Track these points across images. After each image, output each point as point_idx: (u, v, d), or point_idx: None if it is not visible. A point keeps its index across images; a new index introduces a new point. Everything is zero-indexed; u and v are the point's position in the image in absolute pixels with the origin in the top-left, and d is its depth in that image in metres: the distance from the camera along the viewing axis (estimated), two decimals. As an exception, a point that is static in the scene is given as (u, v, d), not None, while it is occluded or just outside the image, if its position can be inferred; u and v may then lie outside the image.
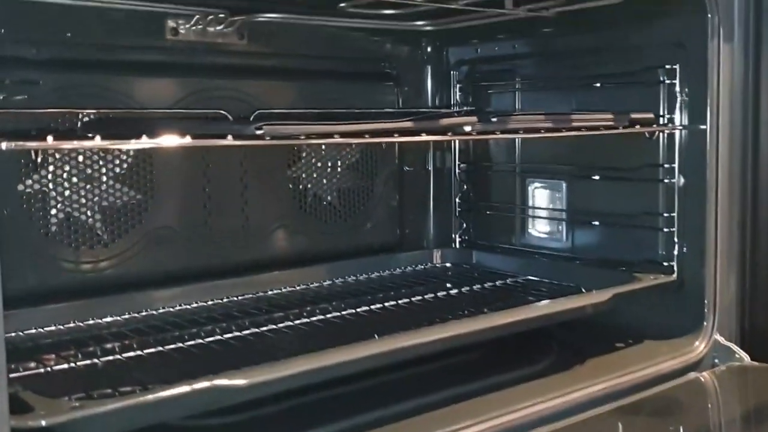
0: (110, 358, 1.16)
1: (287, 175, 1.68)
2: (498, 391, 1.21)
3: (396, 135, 1.02)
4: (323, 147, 1.72)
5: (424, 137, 1.05)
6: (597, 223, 1.61)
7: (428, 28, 1.75)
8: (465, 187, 1.88)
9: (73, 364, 1.12)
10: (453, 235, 1.90)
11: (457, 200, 1.89)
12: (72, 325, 1.31)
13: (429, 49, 1.87)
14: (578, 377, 1.29)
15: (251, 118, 1.53)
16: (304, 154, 1.70)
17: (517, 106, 1.73)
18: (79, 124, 1.35)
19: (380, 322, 1.34)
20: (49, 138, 0.82)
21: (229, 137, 0.89)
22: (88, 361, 1.13)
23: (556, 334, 1.50)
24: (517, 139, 1.74)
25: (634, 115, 1.35)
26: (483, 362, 1.37)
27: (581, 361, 1.38)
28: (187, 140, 0.87)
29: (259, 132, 0.89)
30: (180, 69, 1.53)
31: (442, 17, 1.67)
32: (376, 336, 1.17)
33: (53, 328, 1.30)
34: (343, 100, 1.73)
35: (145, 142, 0.85)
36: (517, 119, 1.17)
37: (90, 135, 0.84)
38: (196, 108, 1.52)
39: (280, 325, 1.32)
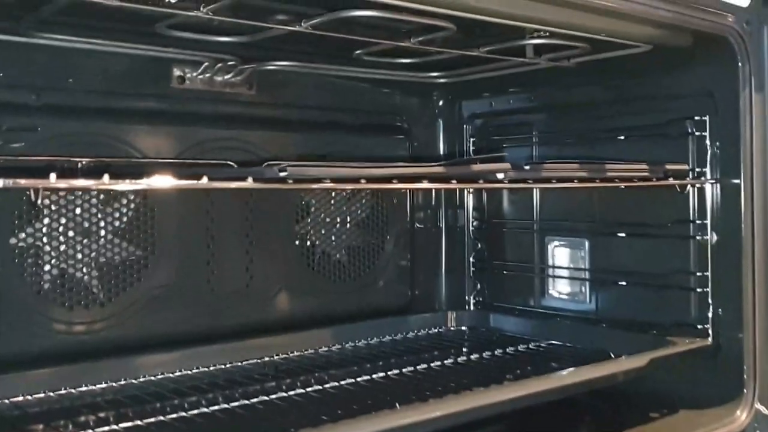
0: (105, 429, 1.05)
1: (294, 231, 1.59)
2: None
3: (425, 181, 0.94)
4: (332, 201, 1.64)
5: (453, 185, 0.97)
6: (624, 283, 1.52)
7: (442, 80, 1.68)
8: (479, 245, 1.80)
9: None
10: (467, 297, 1.81)
11: (471, 259, 1.81)
12: (63, 392, 1.20)
13: (441, 102, 1.81)
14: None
15: (259, 170, 1.45)
16: (312, 209, 1.62)
17: (534, 158, 1.66)
18: (78, 173, 1.26)
19: (400, 390, 1.23)
20: (52, 176, 0.73)
21: (249, 180, 0.81)
22: (80, 433, 1.02)
23: (585, 403, 1.39)
24: (535, 194, 1.67)
25: (669, 166, 1.28)
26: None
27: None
28: (204, 182, 0.78)
29: (282, 174, 0.81)
30: (185, 118, 1.45)
31: (457, 68, 1.61)
32: (397, 406, 1.07)
33: (42, 395, 1.18)
34: (352, 152, 1.66)
35: (156, 183, 0.76)
36: (551, 167, 1.09)
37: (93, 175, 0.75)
38: (201, 158, 1.44)
39: (291, 392, 1.22)
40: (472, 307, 1.79)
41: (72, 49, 1.26)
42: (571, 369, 1.24)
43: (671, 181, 1.30)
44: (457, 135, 1.80)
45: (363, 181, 0.87)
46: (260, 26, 1.18)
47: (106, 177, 0.72)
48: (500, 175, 0.99)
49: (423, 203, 1.80)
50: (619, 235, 1.52)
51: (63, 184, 0.74)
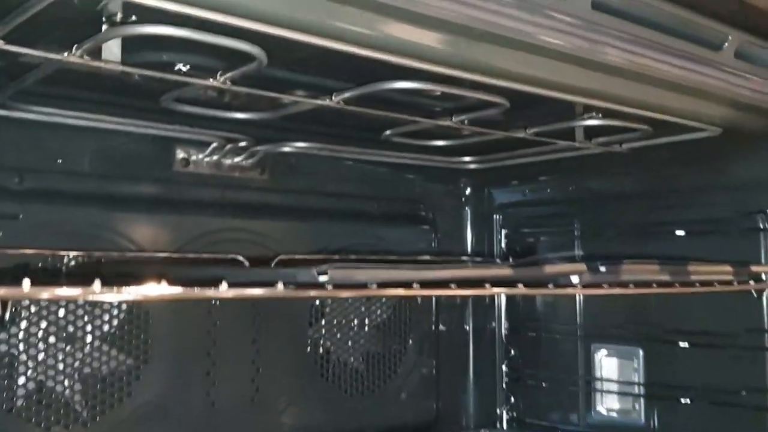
0: None
1: (307, 335, 1.40)
2: None
3: (488, 285, 0.76)
4: (349, 301, 1.45)
5: (520, 290, 0.79)
6: (686, 400, 1.32)
7: (472, 165, 1.52)
8: (512, 352, 1.60)
9: None
10: (499, 411, 1.60)
11: (503, 368, 1.61)
12: None
13: (469, 190, 1.64)
14: None
15: (272, 264, 1.27)
16: (327, 309, 1.43)
17: (577, 256, 1.48)
18: (63, 268, 1.08)
19: None
20: (25, 284, 0.55)
21: (279, 286, 0.62)
22: None
23: None
24: (578, 295, 1.48)
25: (754, 268, 1.10)
26: None
27: None
28: (224, 290, 0.60)
29: (323, 279, 0.63)
30: (188, 206, 1.28)
31: (490, 152, 1.45)
32: None
33: None
34: (374, 245, 1.48)
35: (162, 291, 0.58)
36: (631, 270, 0.92)
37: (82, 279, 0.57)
38: (205, 251, 1.26)
39: None
40: (505, 425, 1.58)
41: (61, 125, 1.09)
42: None
43: (751, 284, 1.12)
44: (486, 226, 1.63)
45: (416, 285, 0.69)
46: (283, 100, 1.02)
47: (96, 284, 0.54)
48: (575, 279, 0.81)
49: (448, 302, 1.61)
50: (681, 344, 1.33)
51: (44, 293, 0.56)
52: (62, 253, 1.09)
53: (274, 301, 1.34)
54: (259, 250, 1.33)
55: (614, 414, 1.43)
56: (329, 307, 1.43)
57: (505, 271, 0.75)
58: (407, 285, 0.69)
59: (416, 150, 1.41)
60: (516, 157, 1.45)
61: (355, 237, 1.47)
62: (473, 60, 0.83)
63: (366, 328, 1.48)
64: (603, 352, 1.45)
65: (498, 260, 1.59)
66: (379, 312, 1.50)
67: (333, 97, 0.96)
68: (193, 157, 1.28)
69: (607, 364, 1.45)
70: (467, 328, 1.63)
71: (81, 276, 0.68)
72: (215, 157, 1.30)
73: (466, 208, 1.65)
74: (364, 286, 0.66)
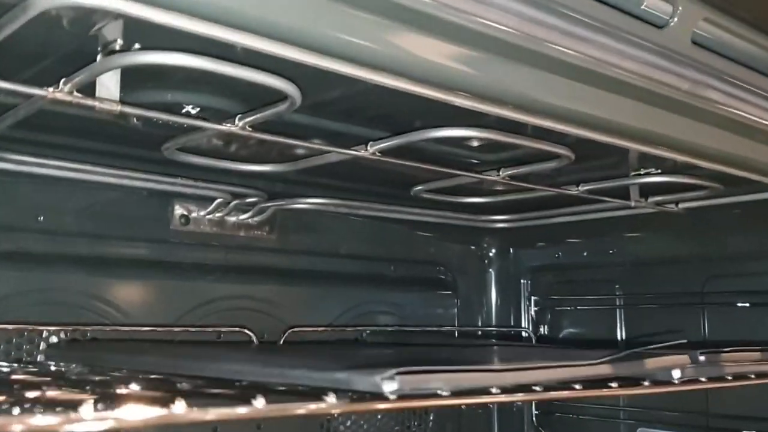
0: None
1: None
2: None
3: (579, 386, 0.60)
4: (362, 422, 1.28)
5: (613, 389, 0.63)
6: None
7: (501, 224, 1.37)
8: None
9: None
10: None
11: (534, 450, 1.44)
12: None
13: (494, 251, 1.49)
14: None
15: (281, 341, 1.11)
16: (341, 428, 1.25)
17: (620, 330, 1.32)
18: (42, 345, 0.91)
19: None
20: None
21: (331, 398, 0.46)
22: None
23: None
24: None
25: None
26: None
27: None
28: (260, 407, 0.43)
29: (389, 388, 0.47)
30: (187, 270, 1.12)
31: (526, 210, 1.30)
32: None
33: None
34: (392, 311, 1.33)
35: (182, 413, 0.41)
36: (732, 358, 0.76)
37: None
38: (206, 322, 1.10)
39: None
40: None
41: (42, 176, 0.93)
42: None
43: None
44: (513, 292, 1.48)
45: (495, 389, 0.54)
46: (303, 151, 0.87)
47: (86, 409, 0.38)
48: (676, 374, 0.66)
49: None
50: None
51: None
52: (40, 327, 0.92)
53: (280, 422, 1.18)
54: (266, 319, 1.17)
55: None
56: (343, 425, 1.26)
57: (602, 369, 0.60)
58: (485, 392, 0.54)
59: (440, 207, 1.26)
60: (551, 216, 1.30)
61: (368, 305, 1.31)
62: (546, 102, 0.68)
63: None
64: (649, 434, 1.29)
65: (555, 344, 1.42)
66: (397, 428, 1.33)
67: (369, 147, 0.81)
68: (194, 215, 1.12)
69: (655, 450, 1.28)
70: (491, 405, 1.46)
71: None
72: (218, 215, 1.14)
73: (491, 270, 1.50)
74: (434, 395, 0.50)
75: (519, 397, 0.58)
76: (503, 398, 0.55)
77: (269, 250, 1.20)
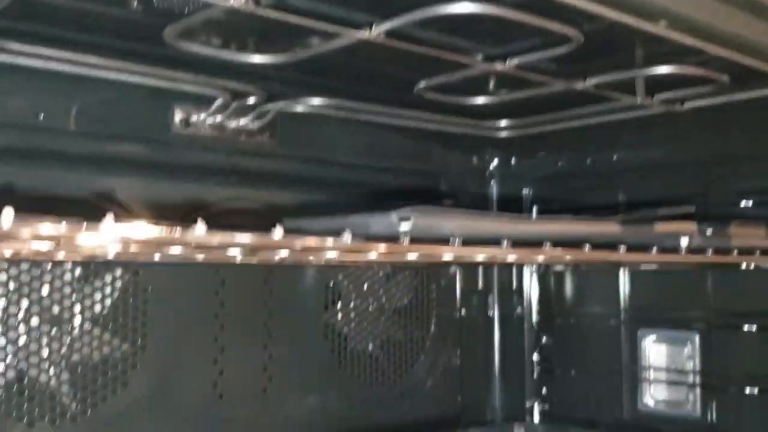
0: None
1: (322, 320, 1.24)
2: None
3: (587, 248, 0.61)
4: (367, 283, 1.30)
5: (621, 254, 0.64)
6: (752, 390, 1.17)
7: (504, 132, 1.36)
8: (544, 340, 1.45)
9: None
10: (528, 404, 1.45)
11: (533, 358, 1.46)
12: None
13: (496, 161, 1.48)
14: None
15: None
16: (344, 292, 1.27)
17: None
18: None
19: None
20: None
21: (346, 235, 0.46)
22: None
23: None
24: (622, 274, 1.33)
25: None
26: None
27: None
28: (277, 237, 0.43)
29: (405, 227, 0.47)
30: (188, 172, 1.11)
31: (530, 113, 1.30)
32: None
33: None
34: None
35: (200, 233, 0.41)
36: (738, 233, 0.76)
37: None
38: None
39: None
40: (537, 418, 1.43)
41: (42, 72, 0.92)
42: None
43: None
44: (515, 203, 1.48)
45: (506, 243, 0.54)
46: (305, 39, 0.86)
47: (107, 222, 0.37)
48: (684, 242, 0.66)
49: (471, 284, 1.46)
50: (746, 328, 1.19)
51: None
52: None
53: (287, 280, 1.19)
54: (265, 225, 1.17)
55: (664, 406, 1.29)
56: (346, 289, 1.28)
57: (613, 228, 0.60)
58: (497, 243, 0.54)
59: (443, 110, 1.25)
60: (555, 121, 1.30)
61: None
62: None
63: (385, 314, 1.33)
64: (651, 338, 1.31)
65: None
66: (398, 296, 1.35)
67: (372, 29, 0.80)
68: (194, 118, 1.11)
69: (655, 351, 1.30)
70: (491, 314, 1.48)
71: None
72: (219, 118, 1.13)
73: (492, 182, 1.49)
74: (446, 241, 0.50)
75: (528, 253, 0.58)
76: (513, 254, 0.55)
77: (270, 156, 1.20)
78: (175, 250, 0.56)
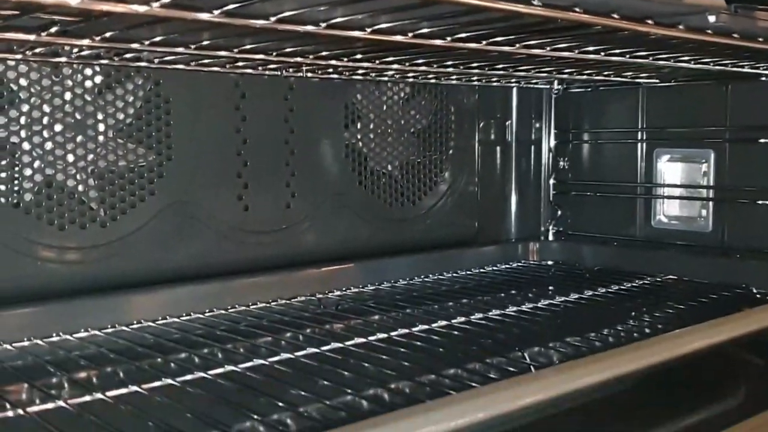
0: (117, 392, 0.71)
1: (343, 138, 1.26)
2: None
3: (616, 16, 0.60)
4: (387, 103, 1.30)
5: (648, 26, 0.63)
6: (765, 202, 1.19)
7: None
8: (561, 163, 1.47)
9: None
10: (544, 227, 1.48)
11: (550, 182, 1.48)
12: (53, 338, 0.87)
13: None
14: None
15: None
16: (363, 111, 1.28)
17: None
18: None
19: (492, 337, 0.91)
20: None
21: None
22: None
23: (726, 354, 1.08)
24: (641, 94, 1.33)
25: None
26: (641, 399, 0.93)
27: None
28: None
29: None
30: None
31: None
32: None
33: (25, 343, 0.85)
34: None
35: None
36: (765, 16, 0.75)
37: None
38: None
39: (348, 343, 0.87)
40: (551, 237, 1.47)
41: None
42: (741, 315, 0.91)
43: None
44: None
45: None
46: None
47: None
48: (711, 18, 0.66)
49: (489, 109, 1.46)
50: (761, 141, 1.19)
51: None
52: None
53: (308, 97, 1.19)
54: None
55: (677, 222, 1.31)
56: (365, 108, 1.28)
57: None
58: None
59: None
60: None
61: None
62: None
63: (405, 135, 1.34)
64: (666, 157, 1.32)
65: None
66: (418, 117, 1.35)
67: None
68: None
69: (670, 169, 1.32)
70: (509, 139, 1.49)
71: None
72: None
73: None
74: None
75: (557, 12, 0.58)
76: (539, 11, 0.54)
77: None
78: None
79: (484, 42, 0.74)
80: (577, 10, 0.57)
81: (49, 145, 0.96)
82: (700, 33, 0.69)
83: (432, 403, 0.58)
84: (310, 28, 0.64)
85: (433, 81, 1.31)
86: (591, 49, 0.83)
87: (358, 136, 1.28)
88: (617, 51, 0.86)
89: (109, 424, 0.61)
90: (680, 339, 0.81)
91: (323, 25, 0.64)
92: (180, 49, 0.78)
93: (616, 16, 0.61)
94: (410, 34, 0.71)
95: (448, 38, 0.72)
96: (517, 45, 0.77)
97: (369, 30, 0.67)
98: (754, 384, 0.99)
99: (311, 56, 0.90)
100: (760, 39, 0.76)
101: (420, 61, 1.00)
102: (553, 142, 1.47)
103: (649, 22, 0.64)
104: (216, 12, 0.57)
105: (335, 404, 0.67)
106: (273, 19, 0.61)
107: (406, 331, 0.91)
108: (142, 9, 0.54)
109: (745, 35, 0.73)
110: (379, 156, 1.31)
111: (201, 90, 1.07)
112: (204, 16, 0.58)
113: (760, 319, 0.87)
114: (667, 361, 0.77)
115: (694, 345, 0.81)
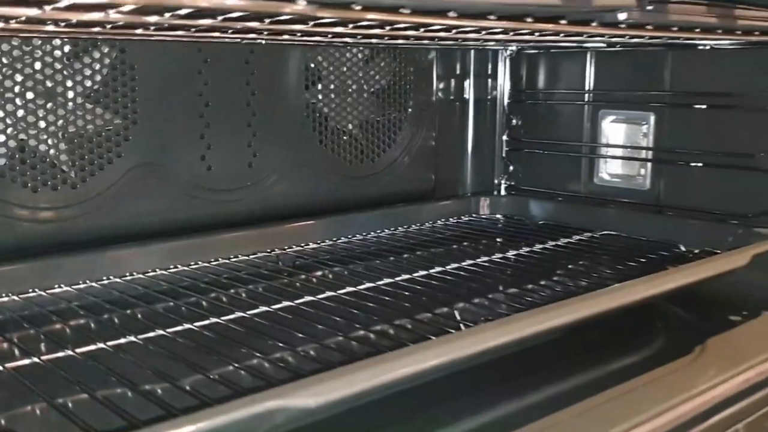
0: (91, 347, 0.79)
1: (303, 99, 1.32)
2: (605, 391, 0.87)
3: (530, 20, 0.67)
4: (347, 65, 1.36)
5: (561, 26, 0.70)
6: (698, 164, 1.28)
7: None
8: (514, 121, 1.54)
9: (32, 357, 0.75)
10: (497, 181, 1.56)
11: (503, 138, 1.55)
12: (29, 294, 0.94)
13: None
14: (708, 363, 0.97)
15: None
16: (324, 72, 1.34)
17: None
18: None
19: (450, 294, 1.00)
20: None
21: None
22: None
23: (652, 306, 1.17)
24: (588, 58, 1.40)
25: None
26: (571, 348, 1.02)
27: (700, 341, 1.07)
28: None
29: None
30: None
31: None
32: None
33: (2, 298, 0.93)
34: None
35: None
36: (677, 10, 0.82)
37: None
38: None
39: (319, 296, 0.96)
40: (503, 192, 1.55)
41: None
42: (681, 268, 1.00)
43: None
44: None
45: (453, 14, 0.60)
46: None
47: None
48: (622, 16, 0.72)
49: (448, 69, 1.52)
50: (697, 107, 1.27)
51: None
52: None
53: (269, 59, 1.25)
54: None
55: (618, 180, 1.40)
56: (326, 70, 1.34)
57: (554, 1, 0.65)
58: (444, 13, 0.60)
59: None
60: None
61: None
62: None
63: (364, 95, 1.40)
64: (610, 118, 1.40)
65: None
66: (377, 78, 1.42)
67: None
68: None
69: (614, 130, 1.40)
70: (467, 97, 1.56)
71: None
72: None
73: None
74: (348, 6, 0.56)
75: (471, 22, 0.64)
76: (456, 21, 0.61)
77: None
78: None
79: (422, 29, 0.80)
80: (492, 17, 0.64)
81: (21, 113, 1.02)
82: (614, 28, 0.76)
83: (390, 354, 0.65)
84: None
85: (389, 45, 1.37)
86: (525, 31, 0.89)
87: (319, 97, 1.34)
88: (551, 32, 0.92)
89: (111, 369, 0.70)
90: (600, 298, 0.89)
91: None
92: (139, 31, 0.84)
93: (529, 20, 0.68)
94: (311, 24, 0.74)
95: (387, 27, 0.78)
96: (453, 31, 0.83)
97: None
98: (674, 333, 1.09)
99: (265, 32, 0.96)
100: (674, 29, 0.82)
101: (373, 32, 1.06)
102: (507, 101, 1.54)
103: (563, 22, 0.71)
104: None
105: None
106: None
107: (372, 284, 1.00)
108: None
109: (659, 27, 0.80)
110: (339, 116, 1.37)
111: (164, 56, 1.13)
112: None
113: (678, 278, 0.96)
114: (588, 317, 0.86)
115: (612, 302, 0.90)
